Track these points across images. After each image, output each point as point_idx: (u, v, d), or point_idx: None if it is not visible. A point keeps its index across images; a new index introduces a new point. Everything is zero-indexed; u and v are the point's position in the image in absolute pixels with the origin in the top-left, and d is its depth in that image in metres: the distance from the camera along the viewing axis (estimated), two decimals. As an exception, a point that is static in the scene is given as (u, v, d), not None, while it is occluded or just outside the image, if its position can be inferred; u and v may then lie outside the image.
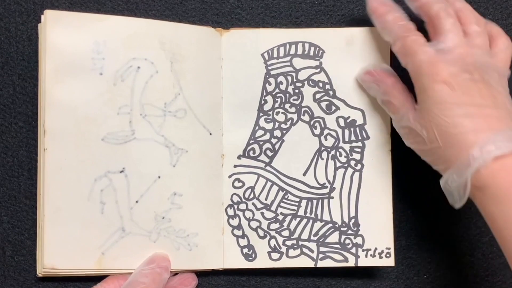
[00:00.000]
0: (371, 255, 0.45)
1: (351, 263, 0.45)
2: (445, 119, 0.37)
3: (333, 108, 0.45)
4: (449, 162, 0.38)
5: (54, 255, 0.41)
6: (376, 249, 0.45)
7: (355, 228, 0.45)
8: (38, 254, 0.42)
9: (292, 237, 0.45)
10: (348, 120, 0.45)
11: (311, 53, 0.45)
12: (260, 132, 0.45)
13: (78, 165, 0.41)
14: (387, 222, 0.45)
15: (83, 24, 0.41)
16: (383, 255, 0.44)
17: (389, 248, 0.45)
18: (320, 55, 0.45)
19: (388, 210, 0.45)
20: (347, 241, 0.45)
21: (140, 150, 0.42)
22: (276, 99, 0.45)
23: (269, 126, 0.45)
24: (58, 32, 0.40)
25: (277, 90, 0.45)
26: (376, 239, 0.45)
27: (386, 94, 0.42)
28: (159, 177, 0.42)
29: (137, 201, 0.42)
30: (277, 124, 0.45)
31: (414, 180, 0.47)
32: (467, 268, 0.48)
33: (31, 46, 0.45)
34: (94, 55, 0.41)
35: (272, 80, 0.45)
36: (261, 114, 0.45)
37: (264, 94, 0.45)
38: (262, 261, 0.45)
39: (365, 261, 0.44)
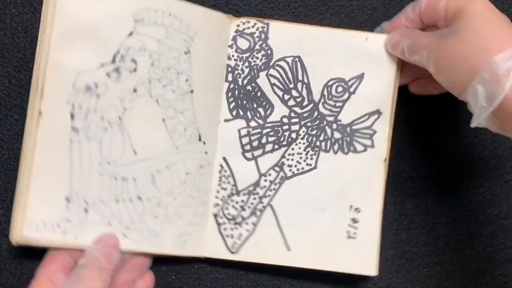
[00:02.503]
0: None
1: None
2: (478, 35, 0.36)
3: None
4: (474, 70, 0.35)
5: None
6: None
7: None
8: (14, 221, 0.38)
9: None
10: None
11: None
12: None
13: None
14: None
15: None
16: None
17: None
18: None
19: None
20: None
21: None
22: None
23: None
24: None
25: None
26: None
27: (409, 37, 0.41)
28: None
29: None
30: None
31: (414, 173, 0.47)
32: (468, 262, 0.47)
33: (26, 38, 0.44)
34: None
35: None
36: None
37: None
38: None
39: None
